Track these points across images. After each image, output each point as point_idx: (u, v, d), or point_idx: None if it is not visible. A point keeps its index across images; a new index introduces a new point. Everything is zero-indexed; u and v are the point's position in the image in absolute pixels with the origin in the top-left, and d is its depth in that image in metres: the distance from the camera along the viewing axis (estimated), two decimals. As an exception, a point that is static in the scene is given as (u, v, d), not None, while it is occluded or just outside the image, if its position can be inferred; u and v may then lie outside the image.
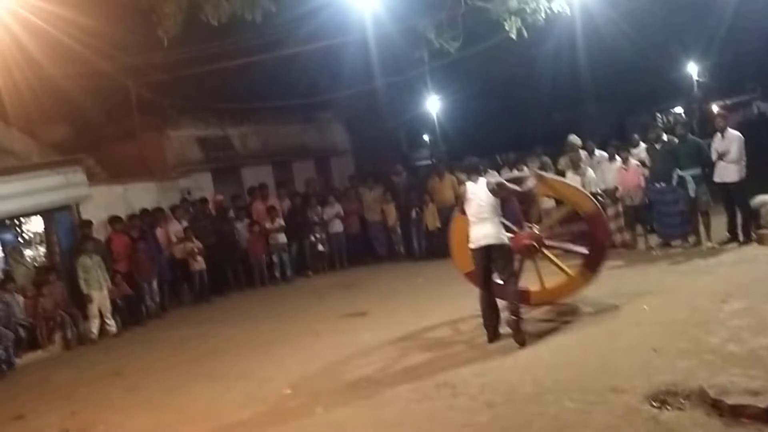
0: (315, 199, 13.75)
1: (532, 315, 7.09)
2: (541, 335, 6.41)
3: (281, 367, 6.91)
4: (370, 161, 18.01)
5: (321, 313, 9.44)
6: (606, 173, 10.58)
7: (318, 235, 13.24)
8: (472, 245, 6.54)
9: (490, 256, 6.47)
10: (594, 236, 7.10)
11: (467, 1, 8.04)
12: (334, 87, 15.44)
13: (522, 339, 6.17)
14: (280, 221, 12.81)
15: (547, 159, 13.05)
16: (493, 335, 6.46)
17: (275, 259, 12.81)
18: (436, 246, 12.99)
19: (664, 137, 9.96)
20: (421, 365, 6.11)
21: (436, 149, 27.16)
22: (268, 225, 12.72)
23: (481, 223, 6.49)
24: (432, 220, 12.89)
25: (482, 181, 6.59)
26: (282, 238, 12.77)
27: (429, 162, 25.43)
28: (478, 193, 6.54)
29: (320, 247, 13.29)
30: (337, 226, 13.43)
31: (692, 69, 26.38)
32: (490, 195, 6.45)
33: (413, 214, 13.15)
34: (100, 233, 11.09)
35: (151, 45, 9.48)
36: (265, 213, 12.89)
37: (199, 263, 11.79)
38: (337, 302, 9.96)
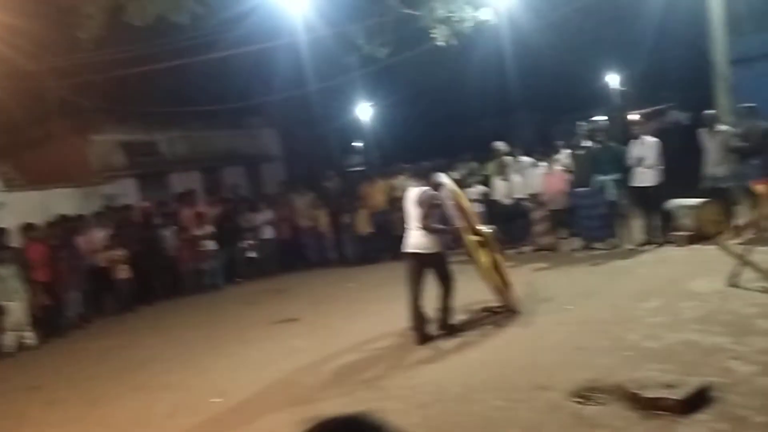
0: (245, 205, 13.56)
1: (459, 317, 7.21)
2: (469, 336, 6.53)
3: (209, 376, 6.77)
4: (302, 167, 17.90)
5: (251, 320, 9.30)
6: (531, 178, 10.90)
7: (248, 242, 13.05)
8: (403, 249, 6.63)
9: (422, 263, 6.55)
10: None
11: (396, 8, 8.13)
12: (266, 92, 15.29)
13: (451, 330, 6.49)
14: (210, 228, 12.55)
15: (475, 164, 13.35)
16: (422, 338, 6.53)
17: (205, 266, 12.54)
18: (367, 251, 13.08)
19: (586, 144, 10.33)
20: (352, 369, 6.11)
21: (369, 155, 27.26)
22: (196, 232, 12.44)
23: (410, 229, 6.64)
24: (364, 225, 12.93)
25: (416, 190, 6.64)
26: (211, 245, 12.51)
27: (361, 168, 25.49)
28: (410, 200, 6.64)
29: (251, 254, 13.10)
30: (268, 233, 13.28)
31: (613, 79, 27.45)
32: (416, 206, 6.53)
33: (345, 219, 13.17)
34: (17, 242, 10.57)
35: (74, 45, 9.13)
36: (193, 220, 12.61)
37: (124, 272, 11.39)
38: (268, 309, 9.83)
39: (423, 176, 6.85)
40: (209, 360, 7.39)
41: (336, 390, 5.57)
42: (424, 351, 6.32)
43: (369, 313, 8.40)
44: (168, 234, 12.39)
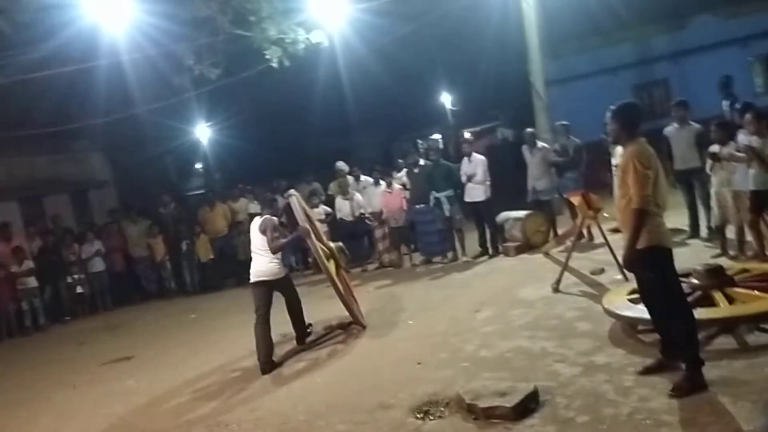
0: (71, 237, 12.50)
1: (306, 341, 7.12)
2: (311, 359, 6.45)
3: (31, 428, 6.09)
4: (136, 193, 16.87)
5: (80, 362, 8.56)
6: (372, 197, 11.11)
7: (76, 276, 12.02)
8: (252, 278, 6.66)
9: (270, 288, 6.60)
10: None
11: (226, 28, 7.94)
12: (90, 114, 14.25)
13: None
14: (29, 263, 11.39)
15: (317, 185, 13.37)
16: (268, 366, 6.36)
17: (24, 306, 11.35)
18: (209, 278, 12.59)
19: (421, 162, 10.71)
20: (192, 407, 5.78)
21: (209, 178, 26.44)
22: (14, 269, 11.25)
23: (255, 258, 6.66)
24: (204, 252, 12.45)
25: (258, 220, 6.77)
26: (32, 282, 11.35)
27: (201, 191, 24.64)
28: (254, 228, 6.76)
29: (79, 289, 12.06)
30: (98, 265, 12.29)
31: (446, 98, 28.91)
32: (260, 234, 6.62)
33: (183, 246, 12.58)
34: None
35: None
36: (9, 255, 11.39)
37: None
38: (100, 348, 9.10)
39: (268, 204, 7.19)
40: (32, 410, 6.67)
41: None
42: (267, 380, 6.14)
43: (210, 344, 8.05)
44: (-21, 273, 11.09)
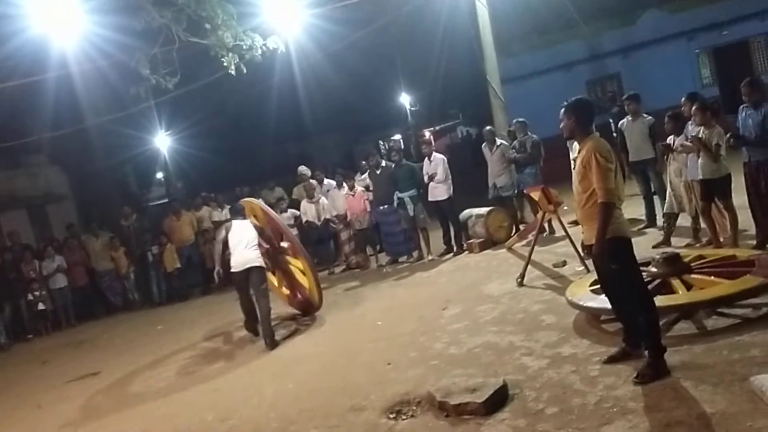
0: (30, 253, 12.21)
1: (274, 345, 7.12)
2: (282, 365, 6.44)
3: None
4: (96, 206, 16.55)
5: (44, 380, 8.38)
6: (335, 200, 11.13)
7: (36, 293, 11.74)
8: (235, 269, 7.53)
9: (248, 276, 7.51)
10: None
11: (180, 36, 7.86)
12: (44, 126, 13.94)
13: (273, 345, 7.22)
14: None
15: (280, 190, 13.34)
16: (254, 331, 7.59)
17: (-16, 326, 11.07)
18: (176, 288, 12.44)
19: (383, 163, 10.76)
20: (161, 420, 5.71)
21: (171, 187, 26.10)
22: (-29, 289, 10.96)
23: (244, 251, 7.53)
24: (171, 261, 12.30)
25: (243, 223, 7.82)
26: (-10, 302, 11.10)
27: (164, 201, 24.32)
28: (242, 228, 7.72)
29: (41, 306, 11.78)
30: (61, 281, 12.03)
31: (405, 99, 29.12)
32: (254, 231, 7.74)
33: (149, 257, 12.42)
34: None
35: None
36: (-36, 276, 11.10)
37: None
38: (64, 365, 8.92)
39: (238, 212, 8.09)
40: (-6, 433, 6.52)
41: (144, 446, 5.18)
42: (237, 388, 6.11)
43: (178, 354, 7.97)
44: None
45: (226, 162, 22.93)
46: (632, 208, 8.29)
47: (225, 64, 8.43)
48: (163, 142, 23.32)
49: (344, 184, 11.06)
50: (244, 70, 8.51)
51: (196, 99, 16.00)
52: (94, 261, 12.51)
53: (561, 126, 4.50)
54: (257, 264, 7.54)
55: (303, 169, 11.97)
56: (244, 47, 8.27)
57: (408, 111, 29.29)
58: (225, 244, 7.71)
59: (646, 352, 4.28)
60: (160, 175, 28.73)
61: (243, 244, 7.56)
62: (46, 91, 11.55)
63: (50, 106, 12.66)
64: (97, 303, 12.70)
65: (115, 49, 8.54)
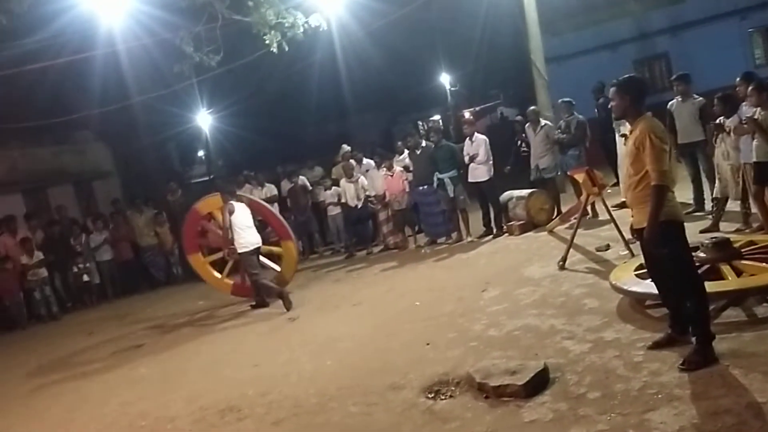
0: (78, 227, 12.56)
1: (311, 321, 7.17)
2: (320, 344, 6.49)
3: (42, 420, 6.15)
4: (139, 182, 16.88)
5: (91, 351, 8.62)
6: (374, 180, 11.10)
7: (82, 265, 12.09)
8: (246, 248, 8.33)
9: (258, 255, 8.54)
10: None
11: (224, 14, 7.88)
12: (91, 103, 14.21)
13: (289, 304, 8.10)
14: (39, 254, 11.48)
15: (319, 169, 13.40)
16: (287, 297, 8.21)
17: (37, 295, 11.46)
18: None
19: (423, 143, 10.69)
20: (204, 393, 5.82)
21: (212, 165, 26.44)
22: (24, 260, 11.33)
23: (252, 231, 8.42)
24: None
25: (240, 204, 8.52)
26: (43, 272, 11.46)
27: (206, 178, 24.68)
28: (245, 209, 8.50)
29: (86, 278, 12.15)
30: (106, 254, 12.38)
31: (445, 79, 28.79)
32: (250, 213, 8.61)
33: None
34: None
35: None
36: (16, 248, 11.44)
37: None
38: (110, 337, 9.17)
39: (234, 195, 8.72)
40: (43, 402, 6.73)
41: (187, 419, 5.27)
42: (277, 364, 6.18)
43: (220, 329, 8.10)
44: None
45: (267, 140, 23.06)
46: (679, 192, 8.03)
47: (267, 42, 8.45)
48: (204, 120, 23.58)
49: (383, 163, 11.02)
50: (286, 48, 8.52)
51: (238, 77, 16.08)
52: (138, 236, 12.79)
53: (611, 105, 4.38)
54: (259, 244, 8.50)
55: (345, 147, 12.02)
56: (286, 25, 8.28)
57: (448, 91, 28.98)
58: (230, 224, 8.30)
59: (694, 339, 4.17)
60: (201, 153, 29.10)
61: (247, 225, 8.37)
62: (92, 68, 11.76)
63: (96, 83, 12.89)
64: (140, 278, 12.98)
65: (160, 26, 8.62)
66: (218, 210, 8.81)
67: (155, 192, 14.35)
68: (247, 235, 8.31)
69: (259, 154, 22.47)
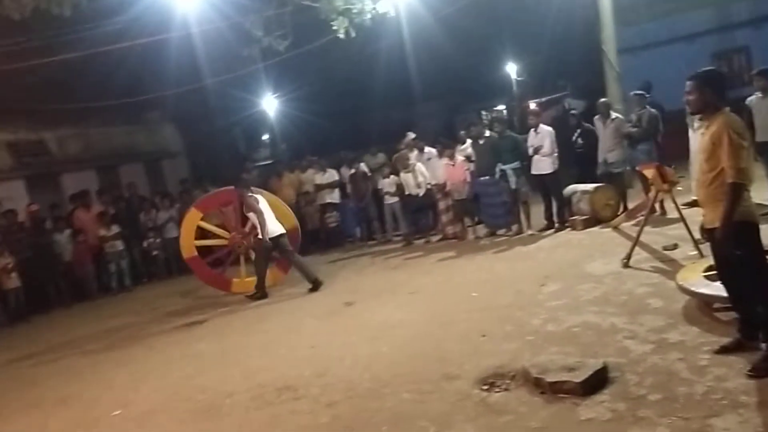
0: (148, 203, 13.04)
1: (372, 315, 7.22)
2: (376, 330, 6.52)
3: (110, 387, 6.43)
4: (205, 162, 17.36)
5: (155, 324, 8.95)
6: (435, 169, 11.05)
7: (152, 240, 12.57)
8: (271, 235, 9.02)
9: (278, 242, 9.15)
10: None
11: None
12: (162, 85, 14.66)
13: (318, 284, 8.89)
14: (115, 228, 12.03)
15: (382, 156, 13.43)
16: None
17: (112, 268, 12.00)
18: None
19: (487, 133, 10.54)
20: (261, 370, 5.96)
21: (276, 148, 26.83)
22: (103, 233, 11.89)
23: (275, 219, 9.12)
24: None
25: (259, 196, 9.21)
26: (119, 245, 12.01)
27: (269, 161, 25.06)
28: (265, 202, 9.22)
29: (154, 252, 12.63)
30: (173, 231, 12.79)
31: (511, 69, 28.23)
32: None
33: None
34: None
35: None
36: (89, 222, 11.97)
37: (13, 280, 10.69)
38: (173, 311, 9.51)
39: (249, 187, 9.43)
40: (110, 370, 7.04)
41: (244, 395, 5.41)
42: (334, 347, 6.26)
43: (278, 312, 8.25)
44: (62, 238, 11.71)
45: (330, 126, 23.21)
46: (755, 192, 7.68)
47: (335, 27, 8.49)
48: (270, 104, 23.93)
49: (445, 153, 10.94)
50: (353, 35, 8.55)
51: (304, 62, 16.24)
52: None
53: (688, 99, 4.20)
54: (283, 230, 9.17)
55: (409, 135, 12.03)
56: (354, 11, 8.30)
57: (513, 81, 28.43)
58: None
59: (764, 345, 4.00)
60: (265, 136, 29.54)
61: (270, 214, 9.00)
62: (165, 51, 12.11)
63: (169, 66, 13.28)
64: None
65: (230, 11, 8.78)
66: (217, 209, 9.57)
67: (220, 172, 14.71)
68: (270, 224, 9.00)
69: (323, 139, 22.64)
